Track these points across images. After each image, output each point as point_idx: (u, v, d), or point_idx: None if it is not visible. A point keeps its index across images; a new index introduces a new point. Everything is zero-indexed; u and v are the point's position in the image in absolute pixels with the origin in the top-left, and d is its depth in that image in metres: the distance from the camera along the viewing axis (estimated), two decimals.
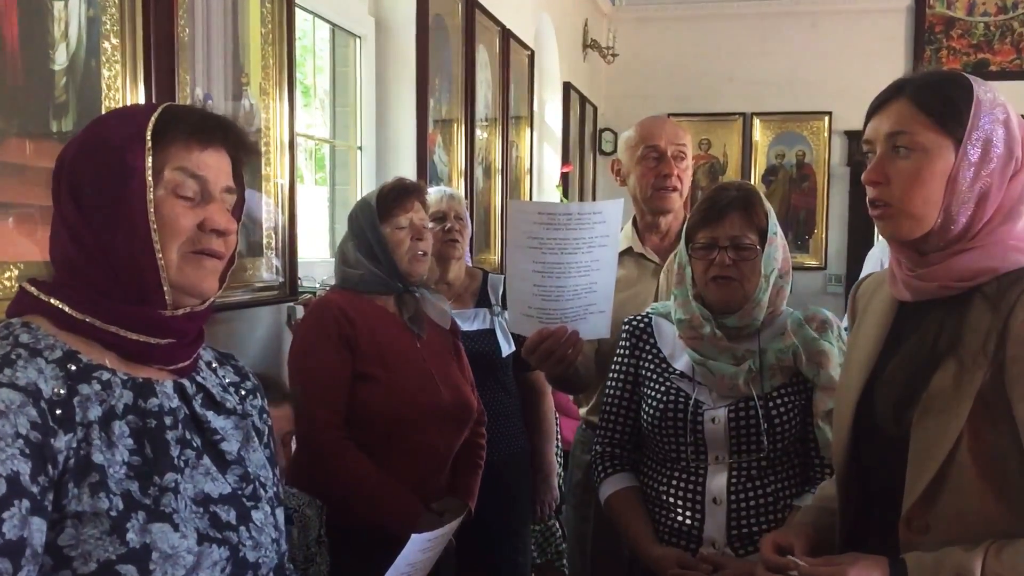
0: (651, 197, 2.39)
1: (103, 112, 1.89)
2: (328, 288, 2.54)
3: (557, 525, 3.43)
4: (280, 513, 1.27)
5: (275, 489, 1.28)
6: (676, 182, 2.37)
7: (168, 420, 1.13)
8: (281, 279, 2.65)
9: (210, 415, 1.20)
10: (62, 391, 1.04)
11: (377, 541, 1.98)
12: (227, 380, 1.28)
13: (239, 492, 1.18)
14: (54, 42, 1.78)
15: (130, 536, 1.02)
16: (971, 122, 1.33)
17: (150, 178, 1.10)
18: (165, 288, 1.12)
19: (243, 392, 1.29)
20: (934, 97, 1.35)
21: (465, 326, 2.61)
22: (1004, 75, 7.27)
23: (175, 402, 1.16)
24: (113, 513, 1.02)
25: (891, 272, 1.47)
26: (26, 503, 0.97)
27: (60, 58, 1.80)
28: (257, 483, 1.21)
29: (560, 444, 3.40)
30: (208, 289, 1.16)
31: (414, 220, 2.24)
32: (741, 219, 1.82)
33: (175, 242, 1.12)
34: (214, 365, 1.28)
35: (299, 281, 2.76)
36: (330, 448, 2.07)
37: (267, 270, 2.58)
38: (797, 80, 7.59)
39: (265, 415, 1.32)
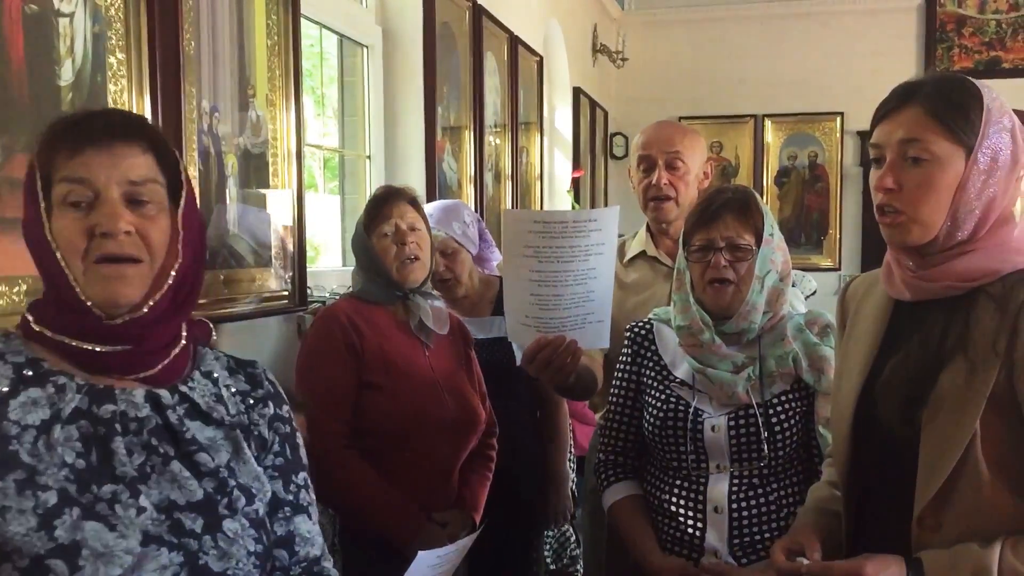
0: (645, 208, 2.38)
1: None
2: (339, 296, 2.53)
3: (572, 531, 3.41)
4: (289, 524, 1.27)
5: (288, 497, 1.28)
6: (668, 191, 2.31)
7: (120, 427, 1.13)
8: (289, 289, 2.65)
9: (194, 425, 1.19)
10: (4, 389, 1.09)
11: (391, 551, 1.98)
12: (233, 389, 1.27)
13: (213, 501, 1.16)
14: (60, 58, 1.79)
15: (58, 533, 1.04)
16: (982, 131, 1.35)
17: (41, 196, 1.12)
18: (88, 302, 1.12)
19: (251, 400, 1.29)
20: (947, 105, 1.37)
21: (480, 335, 2.59)
22: (1017, 72, 7.22)
23: (144, 411, 1.16)
24: (40, 511, 1.04)
25: (887, 271, 1.48)
26: None
27: (66, 74, 1.81)
28: (238, 493, 1.19)
29: (573, 451, 3.39)
30: (123, 296, 1.13)
31: (399, 225, 2.21)
32: (736, 220, 1.81)
33: (75, 256, 1.12)
34: (215, 375, 1.27)
35: (309, 291, 2.76)
36: (332, 457, 2.05)
37: (274, 280, 2.58)
38: (808, 81, 7.55)
39: (278, 423, 1.31)
